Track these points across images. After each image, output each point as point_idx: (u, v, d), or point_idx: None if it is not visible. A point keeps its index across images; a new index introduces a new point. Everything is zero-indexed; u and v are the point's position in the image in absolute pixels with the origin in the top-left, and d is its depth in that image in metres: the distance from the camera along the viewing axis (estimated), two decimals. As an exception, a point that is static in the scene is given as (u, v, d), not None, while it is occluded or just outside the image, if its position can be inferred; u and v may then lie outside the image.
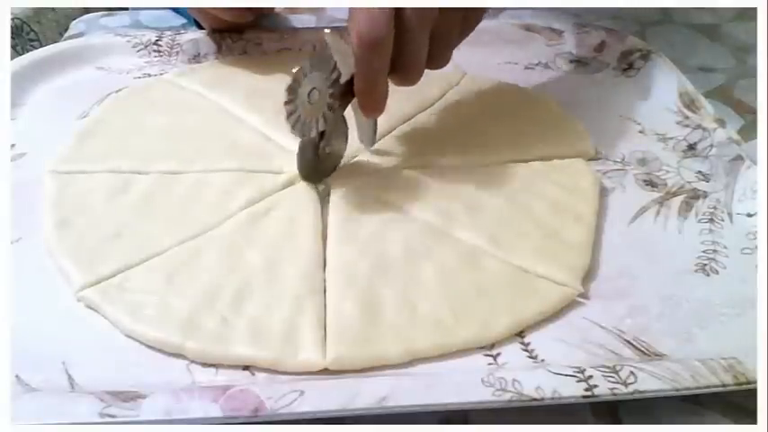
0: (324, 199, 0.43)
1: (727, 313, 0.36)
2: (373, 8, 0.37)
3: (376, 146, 0.47)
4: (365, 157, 0.46)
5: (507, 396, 0.30)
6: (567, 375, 0.31)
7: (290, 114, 0.39)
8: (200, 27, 0.60)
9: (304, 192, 0.43)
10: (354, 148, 0.47)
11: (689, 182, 0.46)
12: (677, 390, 0.31)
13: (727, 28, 0.66)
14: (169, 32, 0.59)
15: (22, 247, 0.40)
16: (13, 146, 0.48)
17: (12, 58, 0.56)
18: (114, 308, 0.35)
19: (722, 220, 0.43)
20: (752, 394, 0.31)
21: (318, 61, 0.39)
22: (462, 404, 0.30)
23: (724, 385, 0.31)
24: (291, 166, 0.45)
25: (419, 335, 0.34)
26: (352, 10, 0.38)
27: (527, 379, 0.31)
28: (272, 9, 0.61)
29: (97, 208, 0.42)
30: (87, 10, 0.70)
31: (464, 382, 0.31)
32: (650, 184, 0.46)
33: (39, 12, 0.72)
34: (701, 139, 0.48)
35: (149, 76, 0.56)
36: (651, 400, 0.32)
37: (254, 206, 0.42)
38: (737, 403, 0.33)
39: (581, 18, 0.68)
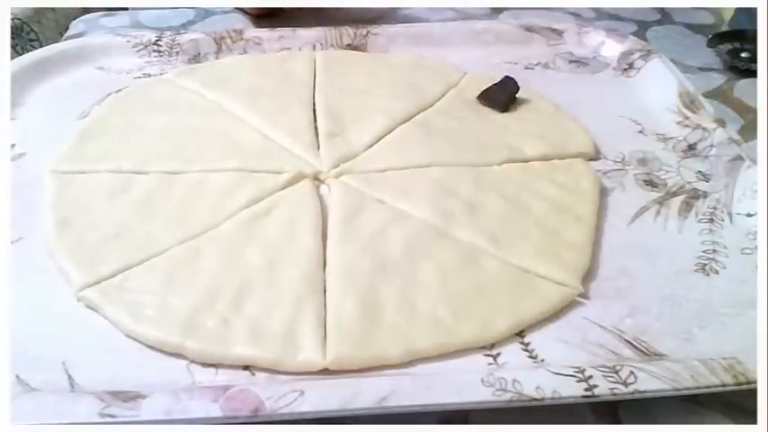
0: (324, 199, 0.43)
1: (727, 313, 0.37)
2: None
3: (376, 146, 0.47)
4: (366, 156, 0.47)
5: (507, 396, 0.30)
6: (567, 375, 0.31)
7: None
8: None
9: (304, 192, 0.43)
10: (355, 148, 0.47)
11: (689, 182, 0.46)
12: (677, 390, 0.31)
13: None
14: (169, 32, 0.59)
15: (22, 247, 0.40)
16: (13, 146, 0.48)
17: (12, 58, 0.56)
18: (114, 308, 0.35)
19: (722, 220, 0.43)
20: (752, 394, 0.31)
21: None
22: (462, 404, 0.30)
23: (724, 385, 0.31)
24: (291, 166, 0.45)
25: (419, 335, 0.34)
26: None
27: (527, 379, 0.31)
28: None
29: (97, 208, 0.42)
30: (87, 10, 0.70)
31: (464, 382, 0.31)
32: (650, 184, 0.46)
33: (39, 12, 0.72)
34: (701, 139, 0.48)
35: (149, 76, 0.56)
36: (651, 400, 0.32)
37: (255, 206, 0.42)
38: (737, 403, 0.33)
39: (581, 18, 0.68)
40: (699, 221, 0.43)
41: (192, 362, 0.34)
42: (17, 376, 0.32)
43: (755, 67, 0.54)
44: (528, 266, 0.38)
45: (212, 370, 0.33)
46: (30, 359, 0.33)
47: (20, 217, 0.41)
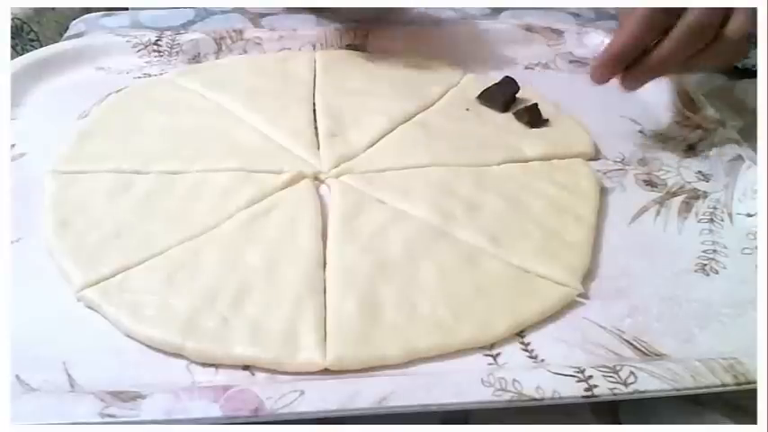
0: (324, 199, 0.43)
1: (727, 313, 0.36)
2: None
3: (376, 146, 0.47)
4: (366, 156, 0.47)
5: (507, 396, 0.30)
6: (567, 375, 0.31)
7: None
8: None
9: (304, 192, 0.43)
10: (355, 148, 0.47)
11: (689, 182, 0.46)
12: (677, 390, 0.31)
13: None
14: (169, 32, 0.59)
15: (22, 247, 0.40)
16: (13, 146, 0.48)
17: (12, 58, 0.56)
18: (114, 308, 0.35)
19: (722, 220, 0.43)
20: (752, 394, 0.31)
21: None
22: (462, 404, 0.30)
23: (724, 385, 0.31)
24: (291, 166, 0.45)
25: (419, 335, 0.34)
26: None
27: (527, 379, 0.31)
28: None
29: (97, 208, 0.42)
30: (87, 10, 0.70)
31: (464, 382, 0.31)
32: (650, 184, 0.46)
33: (39, 12, 0.72)
34: (701, 139, 0.48)
35: (149, 76, 0.56)
36: (651, 400, 0.32)
37: (255, 206, 0.42)
38: (737, 403, 0.33)
39: (581, 18, 0.68)
40: (699, 221, 0.43)
41: (192, 362, 0.34)
42: (17, 376, 0.32)
43: (756, 67, 0.54)
44: (528, 266, 0.38)
45: (212, 370, 0.33)
46: (30, 359, 0.33)
47: (20, 217, 0.41)
